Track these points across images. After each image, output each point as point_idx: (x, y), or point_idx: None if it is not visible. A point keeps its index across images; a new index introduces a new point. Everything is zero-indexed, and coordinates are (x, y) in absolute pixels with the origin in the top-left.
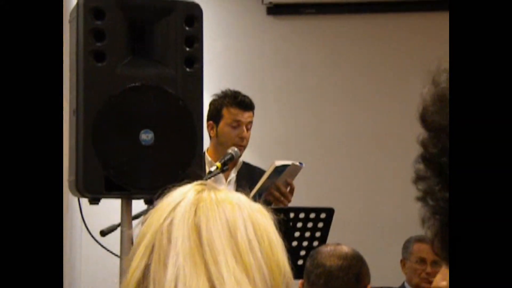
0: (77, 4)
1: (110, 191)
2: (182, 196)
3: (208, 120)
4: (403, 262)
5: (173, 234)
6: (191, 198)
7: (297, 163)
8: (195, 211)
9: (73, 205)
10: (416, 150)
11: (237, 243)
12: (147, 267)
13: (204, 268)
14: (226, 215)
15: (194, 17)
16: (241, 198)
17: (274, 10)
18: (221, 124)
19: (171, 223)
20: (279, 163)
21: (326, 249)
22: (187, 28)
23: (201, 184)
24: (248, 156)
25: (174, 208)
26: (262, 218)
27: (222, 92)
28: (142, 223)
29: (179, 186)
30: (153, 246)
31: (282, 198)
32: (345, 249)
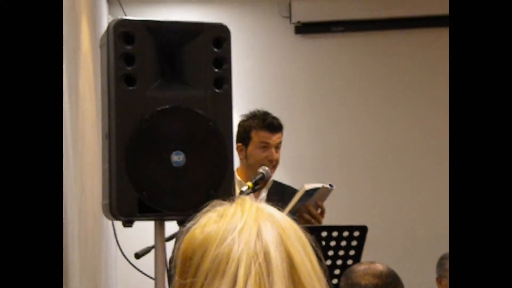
0: (107, 29)
1: (144, 213)
2: (256, 218)
3: (237, 142)
4: (439, 279)
5: (272, 258)
6: (272, 221)
7: (328, 186)
8: (281, 237)
9: (107, 228)
10: (448, 166)
11: (318, 276)
12: None
13: None
14: (302, 243)
15: (222, 38)
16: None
17: (302, 29)
18: (250, 146)
19: (265, 246)
20: (309, 186)
21: (360, 267)
22: (215, 50)
23: (257, 207)
24: (278, 176)
25: (259, 233)
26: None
27: (251, 113)
28: (189, 246)
29: (211, 206)
30: (250, 268)
31: (313, 221)
32: (379, 267)
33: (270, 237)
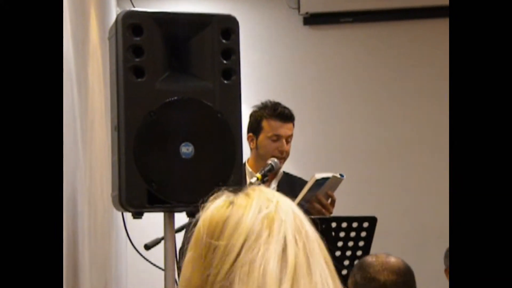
0: (116, 21)
1: (153, 205)
2: (282, 212)
3: (248, 132)
4: (447, 271)
5: (314, 250)
6: (292, 214)
7: (338, 175)
8: (300, 232)
9: (117, 220)
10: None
11: (329, 261)
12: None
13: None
14: (315, 232)
15: (230, 29)
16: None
17: (310, 20)
18: (261, 136)
19: (306, 235)
20: (319, 176)
21: (377, 261)
22: (223, 41)
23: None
24: (287, 167)
25: (294, 212)
26: None
27: (262, 103)
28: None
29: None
30: (296, 240)
31: (323, 210)
32: (396, 261)
33: (304, 217)
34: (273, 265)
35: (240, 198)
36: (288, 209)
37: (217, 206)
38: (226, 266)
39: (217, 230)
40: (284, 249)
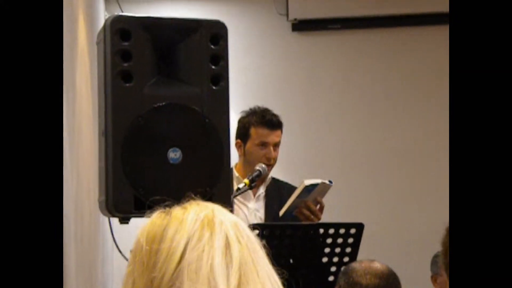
0: (104, 26)
1: (140, 210)
2: (220, 213)
3: (236, 138)
4: (434, 277)
5: (256, 249)
6: (230, 216)
7: (327, 182)
8: (240, 231)
9: (104, 225)
10: (443, 164)
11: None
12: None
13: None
14: (254, 235)
15: (219, 35)
16: None
17: (299, 26)
18: (249, 143)
19: (247, 235)
20: (308, 182)
21: (361, 266)
22: (212, 47)
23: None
24: (274, 173)
25: (237, 222)
26: None
27: (251, 109)
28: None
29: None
30: (238, 238)
31: (312, 217)
32: (380, 266)
33: (242, 222)
34: (218, 260)
35: (176, 210)
36: (225, 212)
37: (153, 219)
38: (172, 266)
39: (158, 236)
40: (227, 246)
